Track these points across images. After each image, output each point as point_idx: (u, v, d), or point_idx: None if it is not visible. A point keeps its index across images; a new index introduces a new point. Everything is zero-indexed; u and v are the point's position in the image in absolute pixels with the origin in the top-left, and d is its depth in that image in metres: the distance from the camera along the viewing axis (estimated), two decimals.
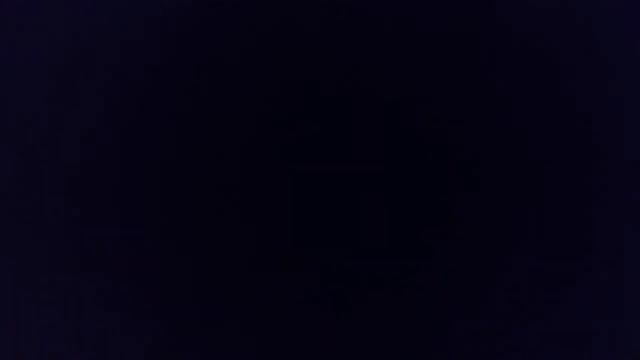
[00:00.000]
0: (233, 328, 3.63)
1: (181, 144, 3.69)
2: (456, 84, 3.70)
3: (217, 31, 3.72)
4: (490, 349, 3.61)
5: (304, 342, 3.62)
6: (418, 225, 3.65)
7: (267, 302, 3.63)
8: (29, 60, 3.71)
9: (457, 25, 3.71)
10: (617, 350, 3.61)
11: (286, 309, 3.62)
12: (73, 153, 3.67)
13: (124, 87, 3.70)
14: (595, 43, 3.71)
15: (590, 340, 3.62)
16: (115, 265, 3.63)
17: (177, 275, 3.64)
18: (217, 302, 3.63)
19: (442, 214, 3.65)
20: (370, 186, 3.67)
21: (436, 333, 3.61)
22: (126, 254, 3.64)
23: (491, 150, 3.67)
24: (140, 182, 3.67)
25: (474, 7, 3.71)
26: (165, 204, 3.66)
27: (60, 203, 3.66)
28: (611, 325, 3.61)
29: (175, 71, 3.71)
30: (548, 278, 3.64)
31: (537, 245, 3.64)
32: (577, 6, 3.71)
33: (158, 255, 3.64)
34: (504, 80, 3.70)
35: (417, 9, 3.71)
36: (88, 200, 3.66)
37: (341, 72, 3.70)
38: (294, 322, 3.62)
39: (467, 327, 3.61)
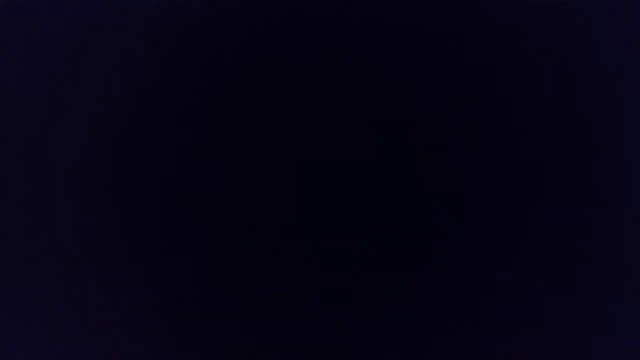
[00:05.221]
0: (233, 327, 3.62)
1: (181, 144, 3.68)
2: (456, 84, 3.70)
3: (217, 31, 3.72)
4: (490, 349, 3.61)
5: (304, 341, 3.62)
6: (417, 226, 3.65)
7: (267, 301, 3.63)
8: (29, 60, 3.71)
9: (457, 25, 3.71)
10: (617, 350, 3.61)
11: (285, 308, 3.62)
12: (72, 153, 3.67)
13: (123, 87, 3.69)
14: (596, 43, 3.71)
15: (590, 341, 3.61)
16: (115, 265, 3.63)
17: (176, 275, 3.63)
18: (216, 301, 3.63)
19: (441, 213, 3.65)
20: (370, 186, 3.67)
21: (436, 333, 3.61)
22: (126, 254, 3.64)
23: (491, 150, 3.67)
24: (141, 182, 3.66)
25: (474, 7, 3.71)
26: (165, 204, 3.65)
27: (60, 203, 3.65)
28: (611, 325, 3.61)
29: (175, 71, 3.71)
30: (548, 278, 3.63)
31: (537, 245, 3.64)
32: (577, 6, 3.71)
33: (158, 255, 3.64)
34: (504, 80, 3.70)
35: (417, 9, 3.71)
36: (88, 201, 3.65)
37: (341, 72, 3.70)
38: (293, 322, 3.62)
39: (467, 327, 3.61)
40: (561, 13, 3.71)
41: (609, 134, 3.68)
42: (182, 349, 3.61)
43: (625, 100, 3.69)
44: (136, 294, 3.62)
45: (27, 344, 3.61)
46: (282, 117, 3.68)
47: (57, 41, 3.70)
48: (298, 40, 3.70)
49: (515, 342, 3.61)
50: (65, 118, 3.68)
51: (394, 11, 3.71)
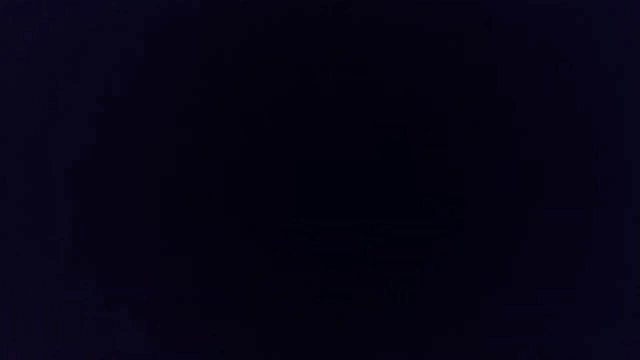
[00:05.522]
0: (233, 327, 3.62)
1: (181, 144, 3.68)
2: (456, 84, 3.70)
3: (217, 31, 3.72)
4: (490, 349, 3.61)
5: (304, 341, 3.62)
6: (417, 226, 3.65)
7: (267, 301, 3.63)
8: (29, 60, 3.71)
9: (457, 25, 3.71)
10: (617, 350, 3.61)
11: (285, 308, 3.62)
12: (72, 153, 3.67)
13: (123, 87, 3.70)
14: (596, 43, 3.71)
15: (590, 341, 3.61)
16: (115, 265, 3.63)
17: (176, 275, 3.63)
18: (216, 301, 3.63)
19: (441, 213, 3.65)
20: (370, 186, 3.67)
21: (436, 333, 3.61)
22: (126, 254, 3.64)
23: (491, 150, 3.67)
24: (141, 182, 3.67)
25: (474, 7, 3.71)
26: (165, 204, 3.65)
27: (60, 203, 3.65)
28: (611, 325, 3.61)
29: (175, 71, 3.71)
30: (548, 278, 3.63)
31: (537, 245, 3.64)
32: (577, 6, 3.71)
33: (158, 255, 3.64)
34: (504, 80, 3.70)
35: (417, 9, 3.71)
36: (88, 201, 3.65)
37: (341, 72, 3.70)
38: (293, 322, 3.62)
39: (467, 327, 3.61)
40: (561, 13, 3.71)
41: (609, 134, 3.68)
42: (182, 349, 3.61)
43: (625, 100, 3.69)
44: (136, 294, 3.62)
45: (27, 344, 3.61)
46: (282, 117, 3.68)
47: (57, 41, 3.70)
48: (298, 40, 3.70)
49: (515, 342, 3.61)
50: (65, 118, 3.68)
51: (394, 11, 3.71)
